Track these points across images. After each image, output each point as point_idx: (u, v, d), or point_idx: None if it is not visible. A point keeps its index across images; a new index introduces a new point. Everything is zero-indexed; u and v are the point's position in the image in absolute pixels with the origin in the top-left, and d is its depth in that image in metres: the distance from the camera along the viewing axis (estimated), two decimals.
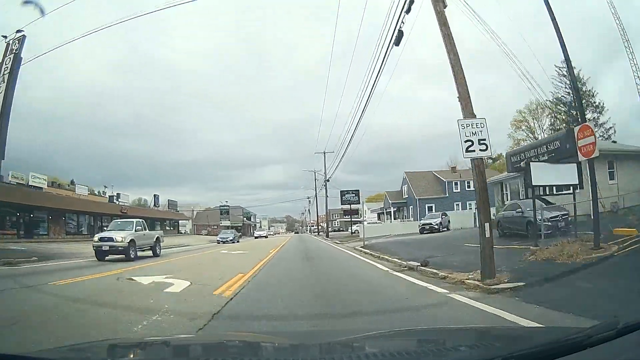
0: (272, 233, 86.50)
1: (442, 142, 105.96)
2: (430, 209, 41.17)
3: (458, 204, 41.68)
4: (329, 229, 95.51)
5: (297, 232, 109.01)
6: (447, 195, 42.17)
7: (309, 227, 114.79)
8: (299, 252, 19.13)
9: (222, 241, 35.01)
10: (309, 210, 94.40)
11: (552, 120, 49.40)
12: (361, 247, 20.17)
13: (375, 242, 22.39)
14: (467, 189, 42.84)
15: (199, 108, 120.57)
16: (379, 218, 62.13)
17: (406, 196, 44.84)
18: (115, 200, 47.22)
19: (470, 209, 39.69)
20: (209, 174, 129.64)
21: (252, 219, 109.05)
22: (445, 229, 32.34)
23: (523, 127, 51.38)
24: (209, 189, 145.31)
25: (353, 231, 52.57)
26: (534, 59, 15.89)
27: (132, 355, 2.05)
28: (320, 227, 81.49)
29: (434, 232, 30.48)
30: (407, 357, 1.70)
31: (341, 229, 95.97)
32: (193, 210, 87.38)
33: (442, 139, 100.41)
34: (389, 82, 43.16)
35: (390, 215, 46.02)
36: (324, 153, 44.72)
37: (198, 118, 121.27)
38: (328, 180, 40.11)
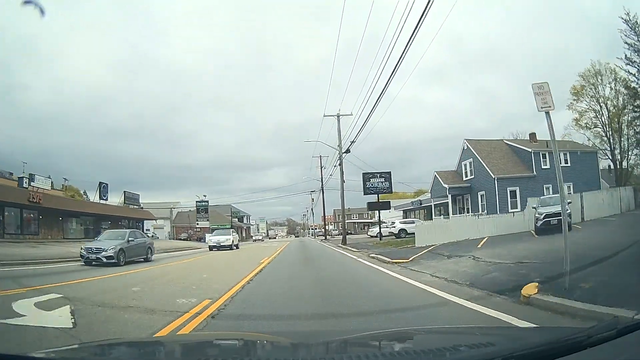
0: (260, 238, 69.06)
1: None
2: (513, 194, 25.57)
3: (548, 187, 26.13)
4: (334, 232, 79.94)
5: (297, 236, 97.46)
6: (535, 173, 26.44)
7: (310, 230, 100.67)
8: None
9: (91, 259, 14.11)
10: (312, 209, 79.00)
11: (617, 87, 36.85)
12: None
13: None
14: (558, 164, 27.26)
15: (199, 108, 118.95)
16: (405, 216, 46.70)
17: (471, 177, 28.82)
18: (26, 184, 31.49)
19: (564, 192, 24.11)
20: (209, 176, 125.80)
21: (246, 221, 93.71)
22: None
23: (586, 95, 37.80)
24: (209, 192, 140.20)
25: (377, 234, 37.27)
26: None
27: (132, 355, 1.94)
28: (325, 230, 65.80)
29: (554, 231, 15.35)
30: (406, 357, 1.66)
31: (350, 231, 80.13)
32: (172, 209, 71.82)
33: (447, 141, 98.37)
34: (392, 82, 28.46)
35: (448, 207, 29.83)
36: (338, 116, 29.19)
37: (198, 119, 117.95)
38: (348, 151, 24.39)
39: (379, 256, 13.93)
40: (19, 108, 70.67)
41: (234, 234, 29.91)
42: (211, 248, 26.82)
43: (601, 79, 37.36)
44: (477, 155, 27.44)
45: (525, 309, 4.99)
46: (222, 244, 26.67)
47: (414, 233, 30.45)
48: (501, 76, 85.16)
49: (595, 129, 38.78)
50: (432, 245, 15.96)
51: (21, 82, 78.71)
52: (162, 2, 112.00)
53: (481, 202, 27.36)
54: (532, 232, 18.22)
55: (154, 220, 55.18)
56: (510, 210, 24.35)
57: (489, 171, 25.91)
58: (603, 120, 38.11)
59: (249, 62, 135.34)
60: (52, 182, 35.78)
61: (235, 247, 27.92)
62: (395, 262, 11.86)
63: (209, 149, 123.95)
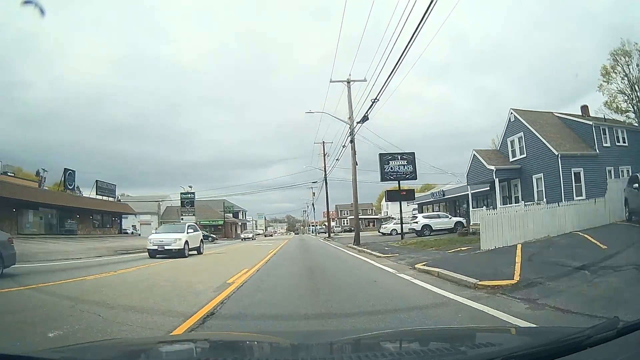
0: (250, 236, 61.75)
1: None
2: (577, 176, 19.58)
3: (610, 170, 20.37)
4: (337, 228, 73.53)
5: (297, 233, 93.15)
6: (598, 151, 20.44)
7: (311, 227, 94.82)
8: None
9: None
10: (312, 204, 72.76)
11: None
12: None
13: None
14: (617, 143, 21.48)
15: (201, 108, 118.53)
16: (420, 210, 41.10)
17: (521, 156, 22.15)
18: None
19: (624, 176, 18.75)
20: (208, 173, 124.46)
21: (242, 217, 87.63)
22: None
23: (618, 75, 33.07)
24: (209, 189, 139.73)
25: (391, 231, 31.37)
26: None
27: (131, 355, 1.87)
28: (326, 227, 59.56)
29: None
30: (406, 357, 1.63)
31: (352, 228, 73.87)
32: (160, 201, 65.69)
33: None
34: (393, 78, 22.72)
35: (494, 195, 23.19)
36: (348, 82, 23.13)
37: (200, 118, 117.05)
38: (366, 119, 17.94)
39: (438, 270, 7.86)
40: (19, 105, 70.68)
41: (190, 231, 18.03)
42: (152, 254, 16.19)
43: (630, 60, 32.57)
44: (530, 128, 21.00)
45: None
46: (166, 247, 15.93)
47: (440, 230, 24.63)
48: (501, 74, 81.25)
49: (627, 113, 34.26)
50: (511, 247, 9.89)
51: (21, 80, 78.78)
52: (163, 2, 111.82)
53: (537, 187, 21.13)
54: (631, 223, 12.98)
55: (135, 215, 48.97)
56: (575, 198, 18.46)
57: (550, 147, 19.63)
58: (634, 103, 33.45)
59: (250, 59, 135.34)
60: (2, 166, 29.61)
61: (196, 252, 17.79)
62: (493, 286, 5.88)
63: (209, 146, 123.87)
